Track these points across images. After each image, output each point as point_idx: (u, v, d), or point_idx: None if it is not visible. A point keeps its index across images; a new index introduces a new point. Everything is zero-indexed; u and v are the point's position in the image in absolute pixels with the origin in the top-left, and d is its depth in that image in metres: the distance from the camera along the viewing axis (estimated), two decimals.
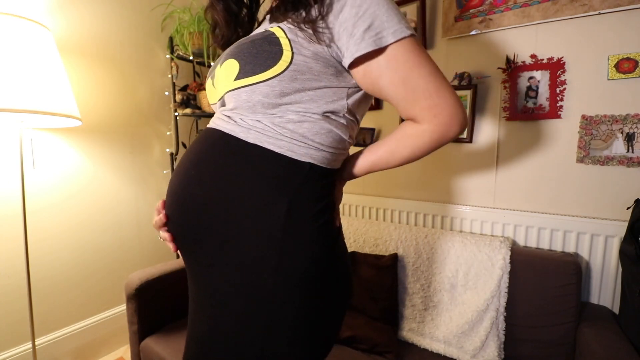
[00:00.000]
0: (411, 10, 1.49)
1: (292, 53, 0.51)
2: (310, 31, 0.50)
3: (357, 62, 0.51)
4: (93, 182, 1.61)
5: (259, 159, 0.53)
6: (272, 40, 0.52)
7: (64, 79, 1.23)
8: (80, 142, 1.55)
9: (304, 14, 0.52)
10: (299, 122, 0.53)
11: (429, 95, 0.51)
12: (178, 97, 1.79)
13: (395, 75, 0.51)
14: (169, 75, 1.80)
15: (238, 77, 0.54)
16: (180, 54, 1.80)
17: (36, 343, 1.36)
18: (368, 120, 1.71)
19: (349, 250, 1.49)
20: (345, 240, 1.50)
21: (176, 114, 1.80)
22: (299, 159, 0.54)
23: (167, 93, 1.87)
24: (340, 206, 1.86)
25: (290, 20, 0.53)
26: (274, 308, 0.52)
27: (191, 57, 1.78)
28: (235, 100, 0.56)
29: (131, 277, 1.28)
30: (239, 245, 0.53)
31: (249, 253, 0.52)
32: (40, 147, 1.43)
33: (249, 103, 0.54)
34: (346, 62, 0.52)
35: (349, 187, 1.85)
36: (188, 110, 1.77)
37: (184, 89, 1.85)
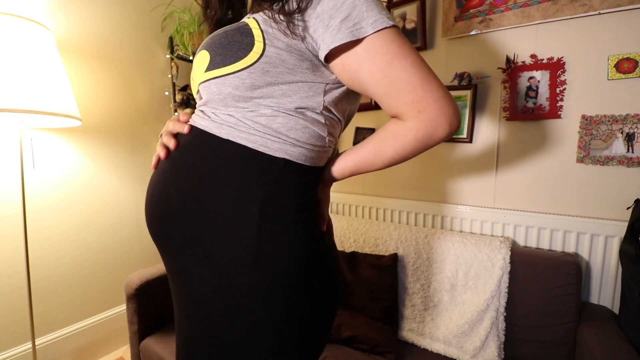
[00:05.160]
0: (411, 10, 1.49)
1: (264, 45, 0.49)
2: (284, 23, 0.48)
3: (334, 54, 0.49)
4: (93, 182, 1.61)
5: (232, 154, 0.51)
6: (244, 31, 0.50)
7: (64, 79, 1.23)
8: (80, 142, 1.55)
9: (280, 4, 0.49)
10: (271, 117, 0.51)
11: (412, 89, 0.47)
12: (178, 97, 1.80)
13: (374, 67, 0.47)
14: (169, 75, 1.80)
15: (208, 69, 0.53)
16: (180, 54, 1.80)
17: (36, 343, 1.36)
18: (368, 120, 1.71)
19: (349, 250, 1.48)
20: (345, 240, 1.51)
21: (176, 114, 1.79)
22: (273, 155, 0.51)
23: (167, 93, 1.87)
24: (341, 206, 1.86)
25: (265, 11, 0.51)
26: (252, 309, 0.50)
27: (191, 57, 1.78)
28: (207, 93, 0.55)
29: (131, 277, 1.28)
30: (214, 244, 0.51)
31: (223, 252, 0.50)
32: (40, 147, 1.43)
33: (220, 96, 0.52)
34: (322, 55, 0.49)
35: (349, 187, 1.86)
36: (188, 110, 1.77)
37: (184, 89, 1.85)
